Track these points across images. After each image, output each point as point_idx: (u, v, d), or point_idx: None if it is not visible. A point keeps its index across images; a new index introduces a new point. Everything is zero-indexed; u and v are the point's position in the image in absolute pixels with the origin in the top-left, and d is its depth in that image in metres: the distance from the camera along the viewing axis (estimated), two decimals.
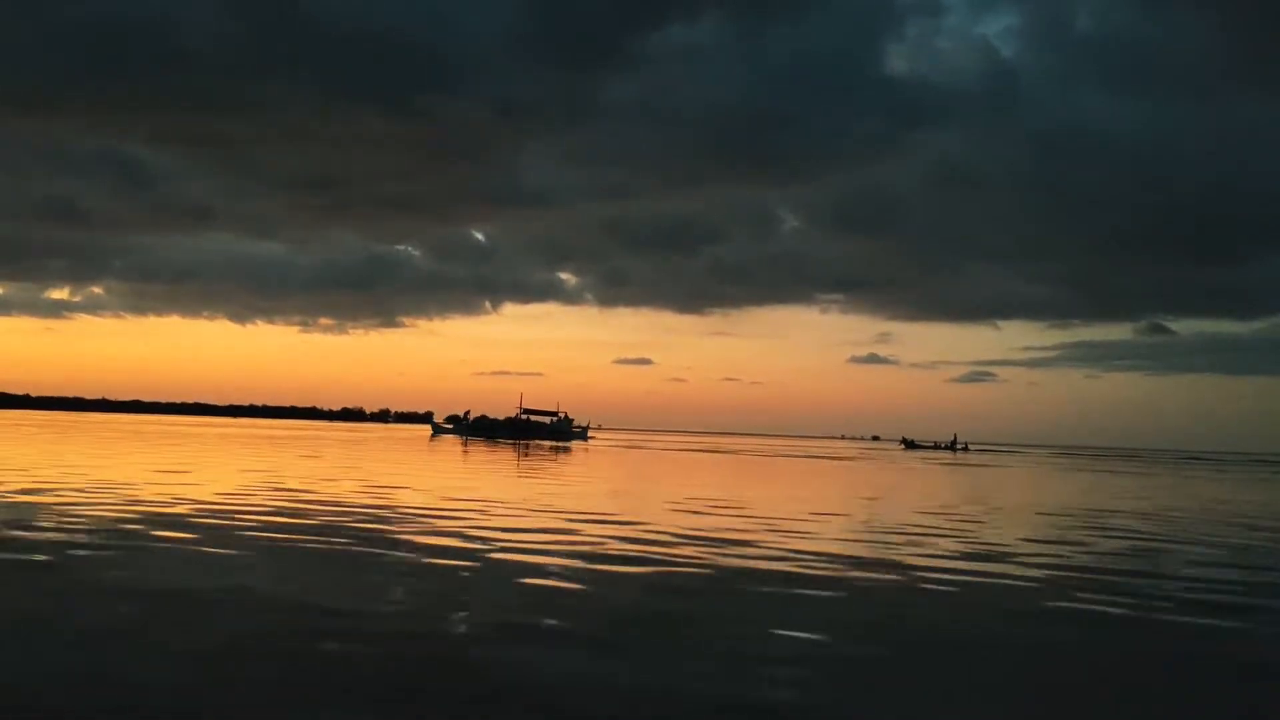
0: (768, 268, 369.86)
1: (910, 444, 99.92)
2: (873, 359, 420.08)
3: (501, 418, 77.37)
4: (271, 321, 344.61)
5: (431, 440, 62.56)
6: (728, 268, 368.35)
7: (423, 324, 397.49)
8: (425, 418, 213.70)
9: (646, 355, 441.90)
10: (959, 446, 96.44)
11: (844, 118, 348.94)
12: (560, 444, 63.73)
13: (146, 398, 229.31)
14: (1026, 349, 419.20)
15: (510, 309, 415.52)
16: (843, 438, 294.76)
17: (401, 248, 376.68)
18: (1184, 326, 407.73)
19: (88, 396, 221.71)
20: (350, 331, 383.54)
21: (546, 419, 77.65)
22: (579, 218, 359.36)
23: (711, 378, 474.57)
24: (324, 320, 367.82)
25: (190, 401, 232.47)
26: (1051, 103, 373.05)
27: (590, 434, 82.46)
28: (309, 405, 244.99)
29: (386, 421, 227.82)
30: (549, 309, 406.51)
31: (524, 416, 77.92)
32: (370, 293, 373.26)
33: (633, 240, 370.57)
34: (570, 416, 78.69)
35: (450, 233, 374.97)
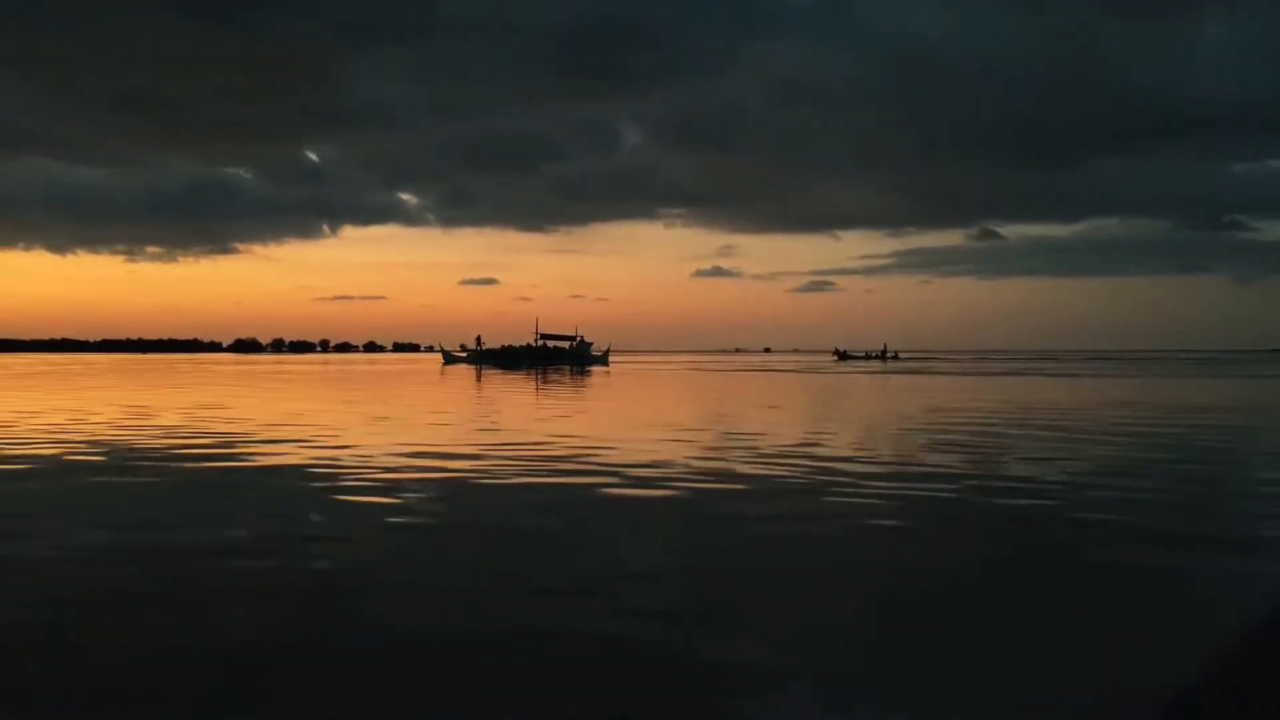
0: (611, 184, 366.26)
1: (843, 355, 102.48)
2: (717, 272, 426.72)
3: (516, 345, 75.10)
4: (95, 251, 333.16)
5: (443, 370, 58.38)
6: (571, 185, 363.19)
7: (258, 250, 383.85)
8: (308, 346, 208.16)
9: (492, 275, 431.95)
10: (889, 355, 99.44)
11: (684, 31, 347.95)
12: (581, 369, 61.34)
13: None
14: (864, 258, 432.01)
15: (350, 232, 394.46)
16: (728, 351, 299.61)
17: (232, 171, 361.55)
18: (1012, 231, 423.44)
19: None
20: (180, 260, 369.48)
21: (565, 344, 74.91)
22: (418, 137, 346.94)
23: (558, 295, 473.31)
24: (151, 249, 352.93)
25: (11, 338, 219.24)
26: (887, 15, 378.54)
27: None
28: (167, 337, 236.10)
29: (281, 351, 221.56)
30: (390, 231, 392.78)
31: (542, 342, 75.09)
32: (200, 219, 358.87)
33: (474, 159, 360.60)
34: (589, 341, 75.40)
35: (284, 155, 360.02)
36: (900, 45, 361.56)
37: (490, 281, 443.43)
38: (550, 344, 74.23)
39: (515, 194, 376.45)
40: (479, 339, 76.82)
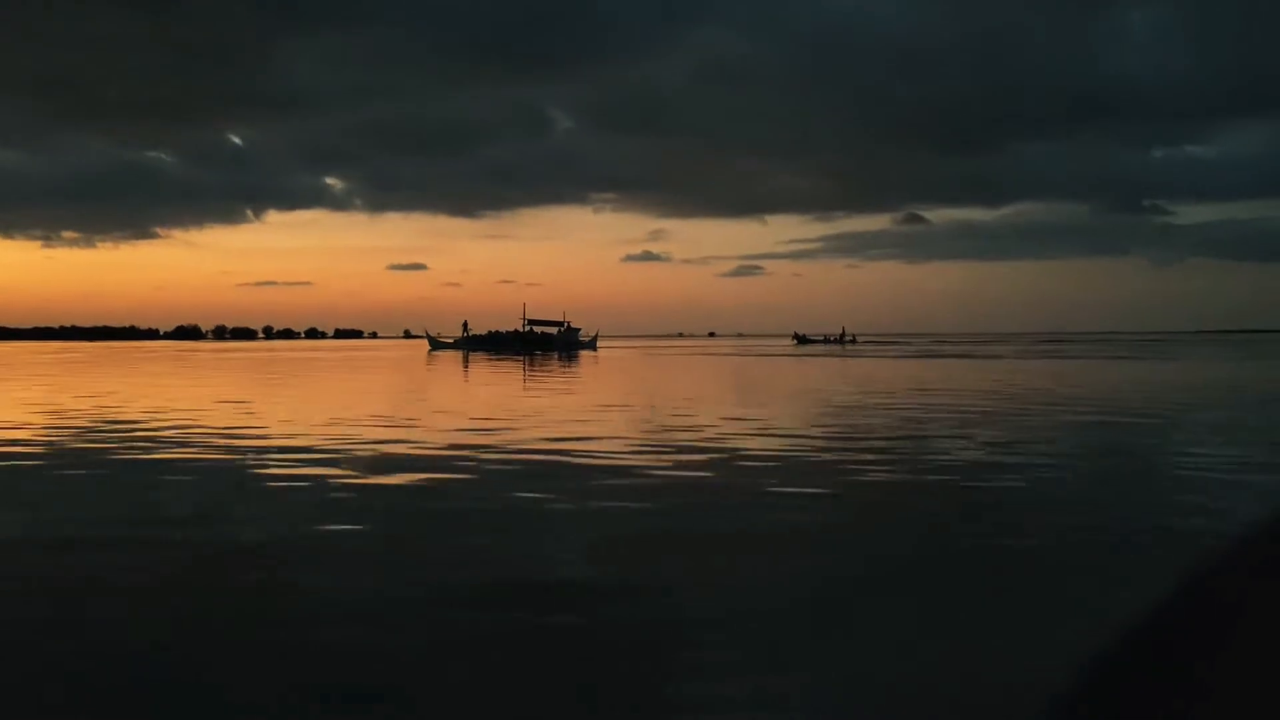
0: (540, 168, 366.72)
1: (802, 339, 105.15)
2: (646, 256, 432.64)
3: (504, 330, 74.25)
4: (9, 236, 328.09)
5: (430, 356, 56.59)
6: (500, 169, 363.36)
7: (179, 235, 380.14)
8: (249, 333, 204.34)
9: (420, 260, 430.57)
10: (848, 339, 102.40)
11: (613, 14, 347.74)
12: (569, 354, 60.90)
13: None
14: (791, 242, 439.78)
15: (274, 217, 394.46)
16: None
17: (153, 154, 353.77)
18: (938, 215, 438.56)
19: None
20: (99, 245, 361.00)
21: (553, 329, 74.09)
22: (345, 120, 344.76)
23: (487, 280, 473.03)
24: (69, 234, 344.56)
25: None
26: (816, 0, 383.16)
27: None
28: (100, 325, 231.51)
29: (223, 339, 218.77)
30: (316, 216, 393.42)
31: (530, 328, 74.10)
32: (120, 203, 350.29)
33: (402, 143, 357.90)
34: (576, 326, 75.10)
35: (206, 137, 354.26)
36: (828, 31, 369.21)
37: (418, 267, 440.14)
38: (538, 330, 74.13)
39: (444, 178, 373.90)
40: (465, 325, 76.03)
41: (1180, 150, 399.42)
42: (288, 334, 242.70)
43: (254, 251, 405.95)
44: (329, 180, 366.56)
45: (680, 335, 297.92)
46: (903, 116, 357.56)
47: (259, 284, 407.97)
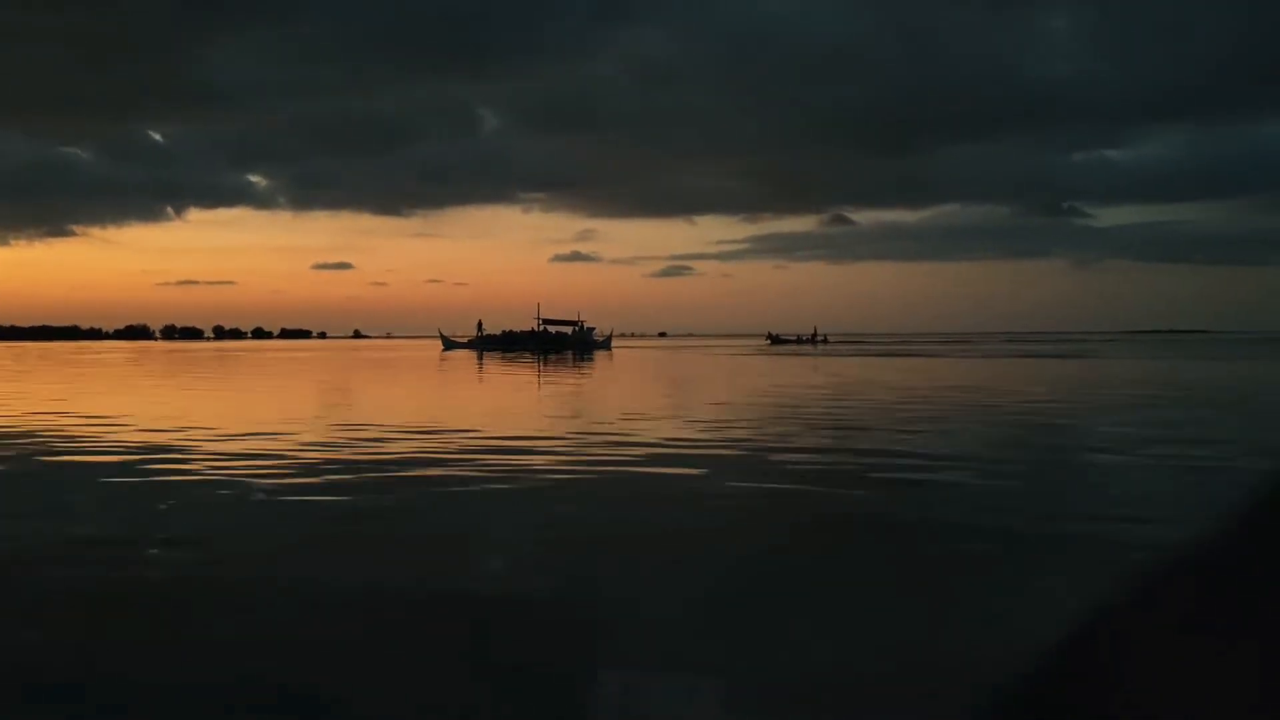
0: (469, 167, 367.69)
1: (776, 339, 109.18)
2: (576, 256, 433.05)
3: (519, 330, 73.16)
4: None
5: (443, 356, 55.59)
6: (428, 167, 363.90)
7: (97, 233, 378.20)
8: (140, 331, 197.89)
9: (346, 259, 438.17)
10: (820, 339, 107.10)
11: (543, 13, 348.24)
12: (584, 354, 60.20)
13: None
14: (720, 242, 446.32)
15: (196, 215, 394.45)
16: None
17: (70, 150, 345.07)
18: (864, 217, 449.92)
19: None
20: (13, 243, 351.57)
21: (568, 329, 73.14)
22: (269, 117, 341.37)
23: (416, 280, 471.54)
24: None
25: None
26: (747, 2, 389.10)
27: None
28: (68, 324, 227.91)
29: (173, 338, 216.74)
30: (239, 214, 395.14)
31: (544, 328, 72.94)
32: (35, 199, 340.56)
33: (328, 140, 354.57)
34: (591, 326, 74.34)
35: (126, 133, 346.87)
36: (757, 33, 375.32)
37: (345, 266, 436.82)
38: (553, 329, 73.22)
39: (371, 177, 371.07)
40: (480, 324, 75.05)
41: (1099, 154, 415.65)
42: (235, 334, 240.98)
43: (175, 250, 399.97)
44: (253, 178, 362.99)
45: (632, 335, 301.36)
46: (829, 118, 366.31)
47: (180, 283, 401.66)
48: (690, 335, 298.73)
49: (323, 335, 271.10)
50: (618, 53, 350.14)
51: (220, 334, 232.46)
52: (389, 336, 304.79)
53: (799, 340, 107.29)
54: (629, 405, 17.44)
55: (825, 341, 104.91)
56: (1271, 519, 0.26)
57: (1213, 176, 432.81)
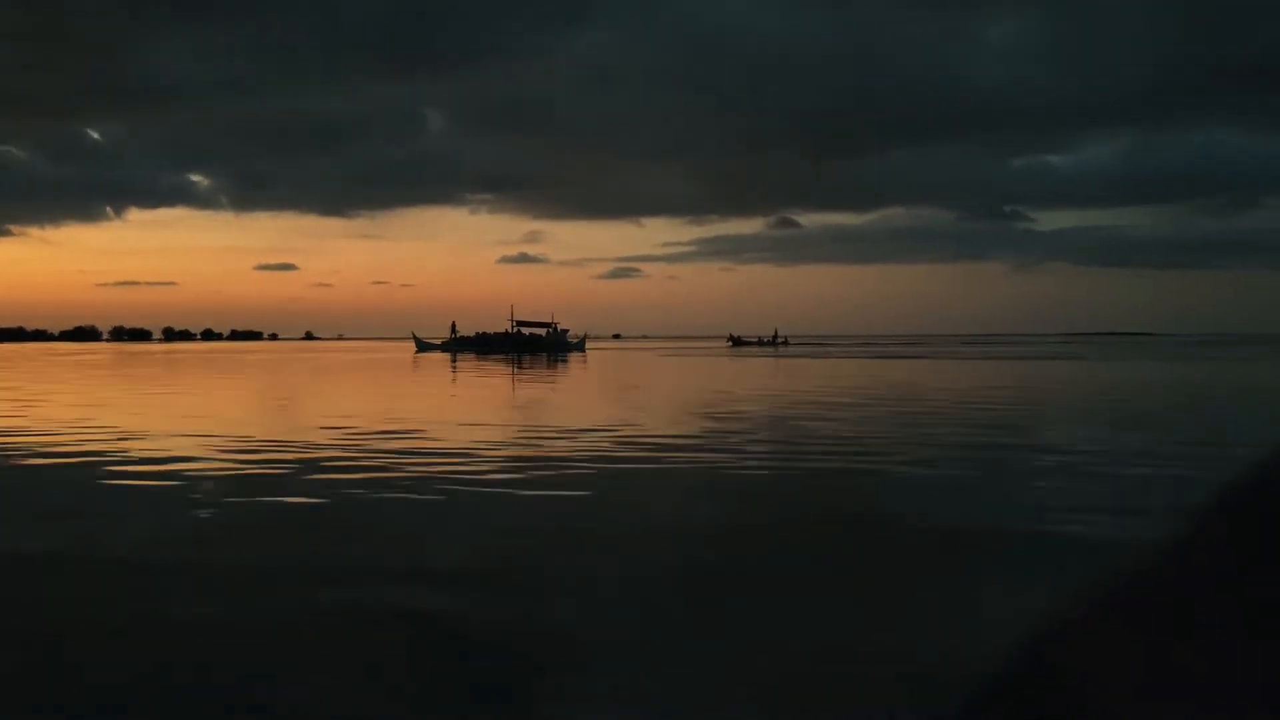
0: (415, 168, 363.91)
1: (737, 341, 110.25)
2: (523, 258, 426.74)
3: (493, 332, 73.29)
4: None
5: (417, 358, 54.67)
6: (374, 168, 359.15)
7: (34, 232, 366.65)
8: (89, 333, 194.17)
9: (290, 260, 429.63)
10: (780, 341, 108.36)
11: (491, 13, 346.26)
12: (558, 356, 60.16)
13: None
14: (667, 244, 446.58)
15: (136, 215, 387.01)
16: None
17: (6, 149, 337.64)
18: (809, 220, 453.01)
19: None
20: None
21: (542, 331, 73.31)
22: (211, 116, 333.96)
23: (360, 281, 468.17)
24: None
25: None
26: (693, 5, 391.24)
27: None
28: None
29: (121, 339, 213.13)
30: (180, 214, 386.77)
31: (517, 329, 73.08)
32: None
33: (271, 140, 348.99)
34: (565, 328, 74.75)
35: (64, 132, 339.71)
36: (704, 37, 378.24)
37: (288, 267, 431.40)
38: (526, 331, 73.42)
39: (315, 177, 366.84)
40: (454, 326, 75.07)
41: (1040, 159, 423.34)
42: (184, 335, 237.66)
43: (114, 250, 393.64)
44: (194, 177, 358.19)
45: (585, 336, 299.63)
46: (775, 122, 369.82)
47: (120, 284, 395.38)
48: (645, 337, 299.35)
49: (274, 337, 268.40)
50: (566, 54, 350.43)
51: (171, 335, 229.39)
52: (340, 338, 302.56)
53: (760, 342, 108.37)
54: (667, 404, 18.25)
55: (785, 343, 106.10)
56: (1233, 517, 0.27)
57: (1152, 181, 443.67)
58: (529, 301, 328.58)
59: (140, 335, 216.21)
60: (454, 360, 50.34)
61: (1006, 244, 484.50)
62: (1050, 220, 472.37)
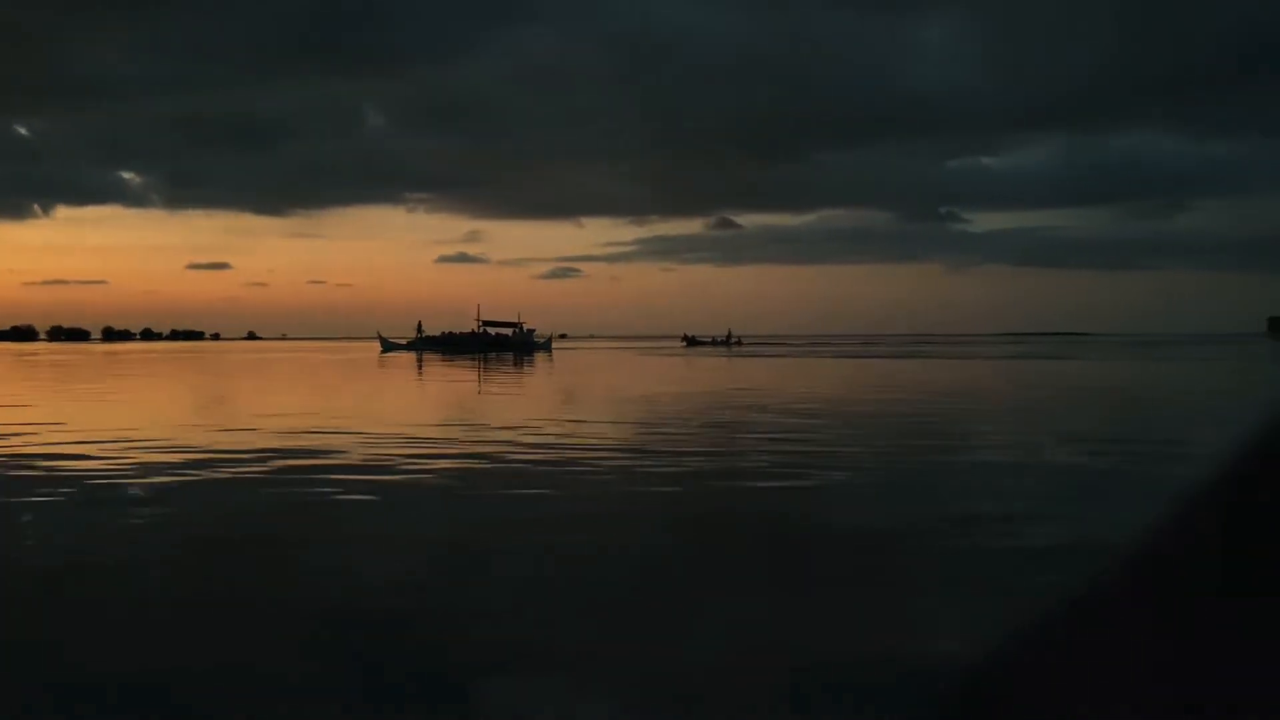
0: (352, 166, 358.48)
1: (691, 340, 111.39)
2: (462, 258, 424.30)
3: (460, 332, 73.56)
4: None
5: (382, 359, 54.60)
6: (311, 166, 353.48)
7: None
8: (26, 333, 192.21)
9: (223, 259, 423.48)
10: (733, 341, 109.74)
11: (430, 12, 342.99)
12: (525, 356, 60.48)
13: None
14: (608, 244, 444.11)
15: (65, 212, 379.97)
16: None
17: None
18: (749, 220, 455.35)
19: None
20: None
21: (508, 331, 73.50)
22: (143, 112, 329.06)
23: (297, 280, 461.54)
24: None
25: None
26: (633, 6, 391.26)
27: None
28: None
29: (58, 339, 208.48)
30: (110, 212, 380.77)
31: (484, 329, 73.25)
32: None
33: (205, 137, 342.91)
34: (531, 328, 74.97)
35: None
36: (644, 36, 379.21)
37: (222, 266, 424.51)
38: (493, 331, 73.66)
39: (250, 175, 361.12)
40: (420, 325, 75.15)
41: (974, 161, 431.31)
42: (124, 335, 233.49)
43: (42, 248, 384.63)
44: (125, 175, 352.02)
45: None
46: (715, 123, 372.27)
47: (47, 282, 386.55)
48: (592, 336, 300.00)
49: (216, 337, 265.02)
50: (505, 54, 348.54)
51: (111, 335, 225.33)
52: (284, 338, 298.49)
53: (714, 342, 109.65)
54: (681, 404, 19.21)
55: (739, 343, 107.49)
56: (1202, 524, 0.27)
57: (1085, 184, 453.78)
58: (467, 301, 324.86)
59: (79, 335, 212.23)
60: (420, 360, 50.18)
61: (942, 245, 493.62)
62: (985, 222, 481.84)
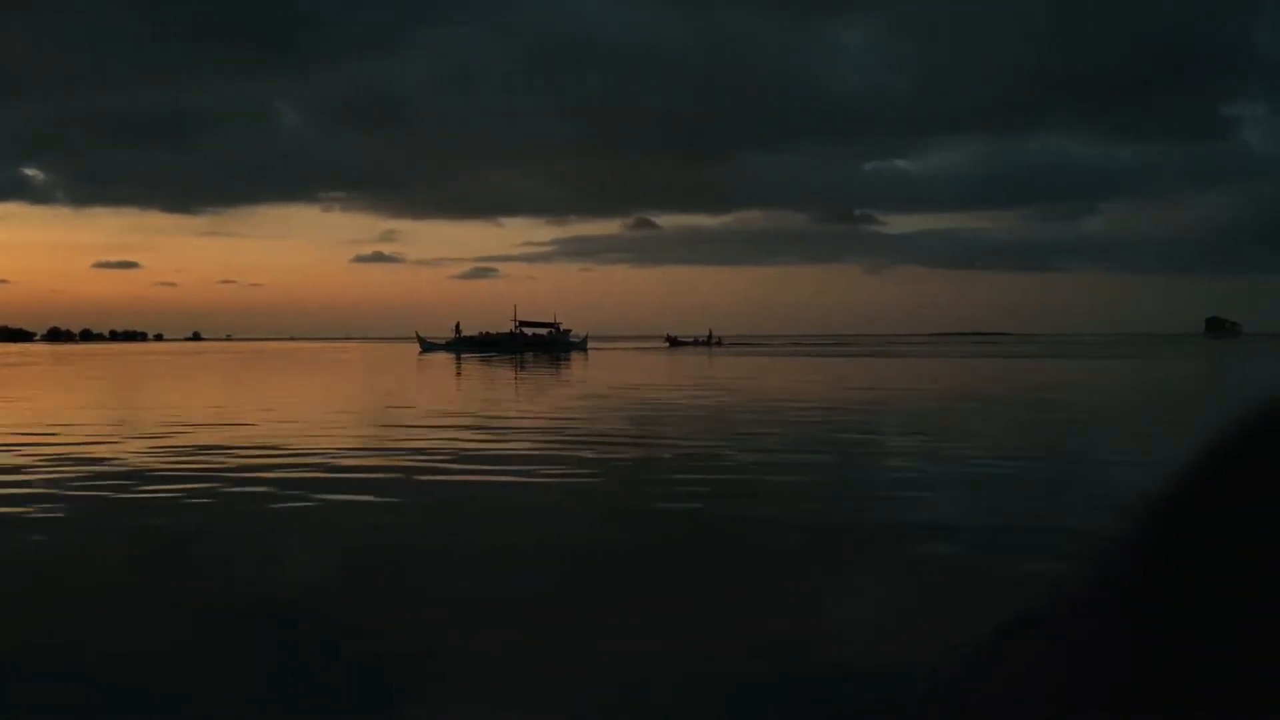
0: (266, 164, 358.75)
1: (675, 341, 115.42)
2: (378, 257, 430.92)
3: (496, 332, 73.84)
4: None
5: (421, 358, 54.90)
6: (223, 164, 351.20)
7: None
8: (25, 334, 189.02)
9: (131, 258, 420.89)
10: (714, 341, 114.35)
11: (348, 8, 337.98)
12: (561, 355, 61.30)
13: None
14: (526, 244, 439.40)
15: None
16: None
17: None
18: (667, 221, 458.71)
19: None
20: None
21: (544, 331, 74.27)
22: (49, 108, 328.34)
23: (208, 280, 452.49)
24: None
25: None
26: (554, 5, 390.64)
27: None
28: None
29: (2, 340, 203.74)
30: (12, 209, 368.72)
31: (520, 330, 74.06)
32: None
33: (113, 134, 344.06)
34: (568, 328, 75.60)
35: None
36: (563, 37, 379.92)
37: (130, 265, 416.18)
38: (529, 331, 74.87)
39: (160, 172, 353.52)
40: (457, 326, 74.83)
41: (890, 164, 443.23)
42: (66, 335, 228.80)
43: None
44: (28, 171, 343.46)
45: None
46: (634, 123, 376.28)
47: None
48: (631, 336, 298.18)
49: (159, 337, 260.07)
50: (423, 53, 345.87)
51: (56, 336, 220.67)
52: (229, 339, 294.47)
53: (696, 342, 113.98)
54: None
55: (720, 344, 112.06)
56: (1160, 533, 0.27)
57: (998, 187, 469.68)
58: (382, 301, 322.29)
59: (22, 336, 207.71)
60: (459, 360, 50.77)
61: (858, 246, 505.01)
62: (900, 224, 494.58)
